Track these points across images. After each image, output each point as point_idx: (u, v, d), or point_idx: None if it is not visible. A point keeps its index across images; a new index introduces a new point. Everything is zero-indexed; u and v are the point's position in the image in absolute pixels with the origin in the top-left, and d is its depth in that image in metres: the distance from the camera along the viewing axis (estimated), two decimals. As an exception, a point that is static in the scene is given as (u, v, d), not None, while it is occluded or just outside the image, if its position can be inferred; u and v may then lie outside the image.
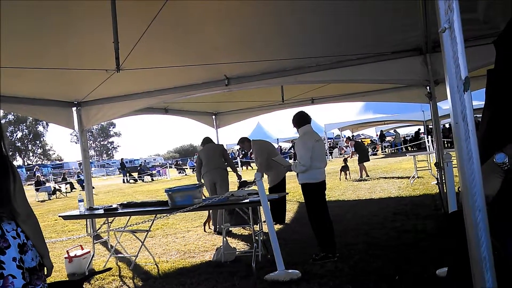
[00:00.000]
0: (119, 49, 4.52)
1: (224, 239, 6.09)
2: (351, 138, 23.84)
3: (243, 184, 8.14)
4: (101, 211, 6.41)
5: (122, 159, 37.55)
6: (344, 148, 16.52)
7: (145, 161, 55.95)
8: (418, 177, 13.00)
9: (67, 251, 6.15)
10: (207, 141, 8.73)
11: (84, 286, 5.40)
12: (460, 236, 1.79)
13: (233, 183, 9.88)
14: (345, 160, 16.47)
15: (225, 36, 5.55)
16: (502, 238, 1.87)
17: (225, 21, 5.01)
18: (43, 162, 74.28)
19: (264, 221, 5.51)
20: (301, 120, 5.78)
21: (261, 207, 5.50)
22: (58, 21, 4.40)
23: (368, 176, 15.62)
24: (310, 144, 5.55)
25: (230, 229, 7.42)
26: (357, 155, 15.92)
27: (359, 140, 16.70)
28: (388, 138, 37.30)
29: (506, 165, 1.80)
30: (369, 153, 20.14)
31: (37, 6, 4.01)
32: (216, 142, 8.85)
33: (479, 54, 5.66)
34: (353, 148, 16.04)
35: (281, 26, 5.34)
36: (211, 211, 7.96)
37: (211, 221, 8.30)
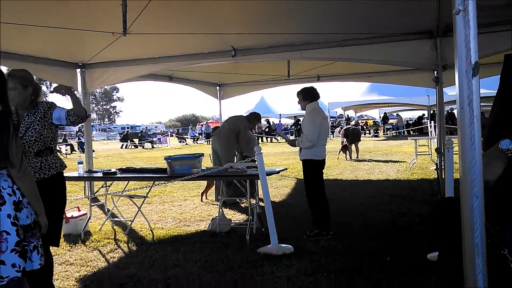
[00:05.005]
0: (127, 12, 4.46)
1: (220, 210, 6.13)
2: (342, 127, 23.96)
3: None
4: (100, 174, 6.45)
5: (127, 131, 37.48)
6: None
7: (146, 128, 56.06)
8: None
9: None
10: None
11: (79, 247, 5.49)
12: (454, 222, 1.79)
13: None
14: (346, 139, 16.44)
15: (233, 5, 5.46)
16: (499, 224, 1.87)
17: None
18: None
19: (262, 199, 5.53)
20: (311, 95, 5.60)
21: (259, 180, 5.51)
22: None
23: (357, 157, 15.68)
24: (318, 120, 5.51)
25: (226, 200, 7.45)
26: (349, 138, 15.92)
27: (349, 127, 16.80)
28: (391, 121, 37.19)
29: (511, 151, 1.79)
30: (363, 135, 20.13)
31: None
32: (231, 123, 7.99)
33: (488, 42, 5.59)
34: (343, 138, 16.15)
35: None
36: (215, 181, 7.88)
37: (208, 191, 8.34)
